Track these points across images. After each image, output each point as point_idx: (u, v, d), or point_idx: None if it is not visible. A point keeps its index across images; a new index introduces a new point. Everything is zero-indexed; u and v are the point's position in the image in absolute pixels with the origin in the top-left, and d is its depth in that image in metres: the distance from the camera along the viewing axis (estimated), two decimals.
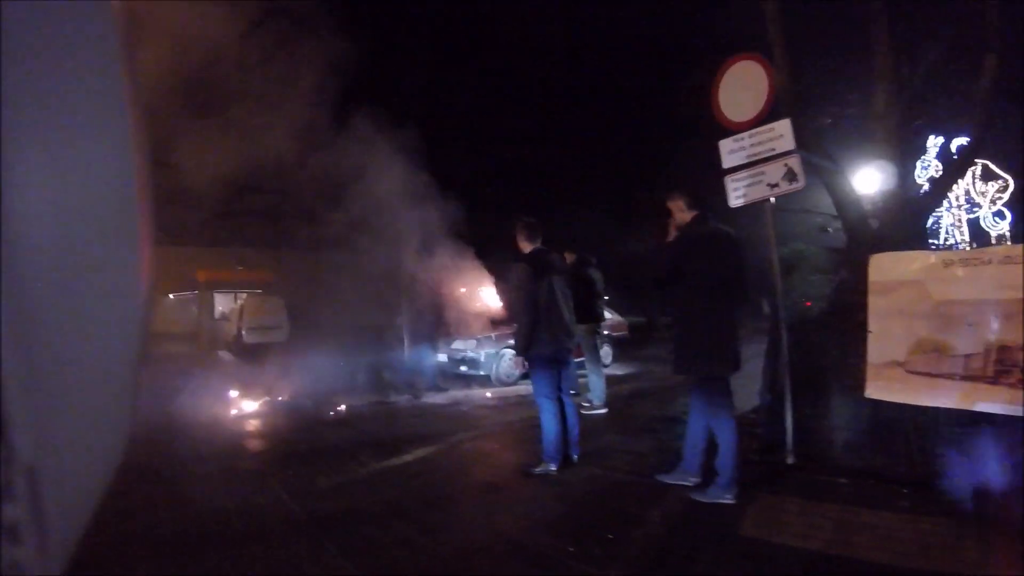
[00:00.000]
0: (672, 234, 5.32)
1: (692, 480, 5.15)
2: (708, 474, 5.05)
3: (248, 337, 19.52)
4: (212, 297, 25.43)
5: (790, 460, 5.55)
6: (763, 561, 3.84)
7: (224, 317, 23.31)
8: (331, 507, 5.15)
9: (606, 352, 10.31)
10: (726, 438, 4.87)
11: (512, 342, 11.90)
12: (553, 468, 5.82)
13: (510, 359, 12.10)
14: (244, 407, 9.87)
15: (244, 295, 22.99)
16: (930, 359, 4.84)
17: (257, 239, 22.66)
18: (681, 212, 5.23)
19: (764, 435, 6.14)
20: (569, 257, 8.56)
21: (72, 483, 0.60)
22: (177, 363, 16.09)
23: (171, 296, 26.42)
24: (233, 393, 10.26)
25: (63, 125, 0.56)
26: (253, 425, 8.90)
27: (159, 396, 9.87)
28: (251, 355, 17.16)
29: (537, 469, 5.84)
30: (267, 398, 10.33)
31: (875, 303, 5.14)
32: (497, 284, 12.94)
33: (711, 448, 5.10)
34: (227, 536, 4.50)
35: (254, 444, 7.75)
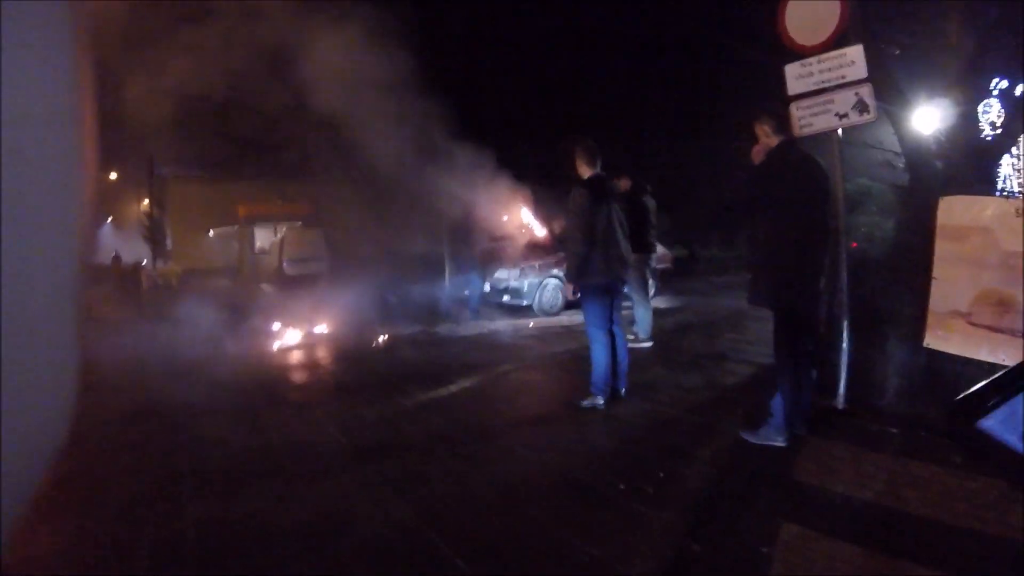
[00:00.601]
0: (757, 159, 4.99)
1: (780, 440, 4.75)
2: (762, 414, 4.90)
3: (289, 269, 19.71)
4: (252, 231, 25.61)
5: (840, 405, 5.38)
6: (814, 508, 3.72)
7: (264, 251, 23.49)
8: (379, 439, 5.17)
9: (651, 284, 10.17)
10: (787, 379, 4.70)
11: (555, 271, 11.86)
12: (601, 401, 5.73)
13: (553, 289, 12.02)
14: (287, 339, 9.94)
15: (284, 228, 23.15)
16: (994, 312, 4.63)
17: (296, 171, 22.65)
18: (767, 137, 4.85)
19: (814, 378, 5.96)
20: (624, 183, 8.27)
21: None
22: (220, 297, 16.33)
23: (211, 232, 26.71)
24: (276, 326, 10.34)
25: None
26: (297, 357, 8.95)
27: (203, 330, 10.00)
28: (292, 287, 17.33)
29: (585, 402, 5.76)
30: (310, 329, 10.39)
31: (942, 248, 4.89)
32: (541, 212, 12.77)
33: (770, 388, 4.93)
34: (275, 471, 4.52)
35: (298, 376, 7.80)
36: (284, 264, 19.86)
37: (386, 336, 9.95)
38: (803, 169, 4.68)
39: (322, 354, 9.10)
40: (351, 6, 9.00)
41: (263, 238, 24.73)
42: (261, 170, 23.79)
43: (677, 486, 4.09)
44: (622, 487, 4.08)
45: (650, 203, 8.81)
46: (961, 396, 1.90)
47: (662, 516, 3.66)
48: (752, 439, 4.75)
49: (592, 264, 5.61)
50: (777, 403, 4.69)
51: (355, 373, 7.76)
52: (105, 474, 4.59)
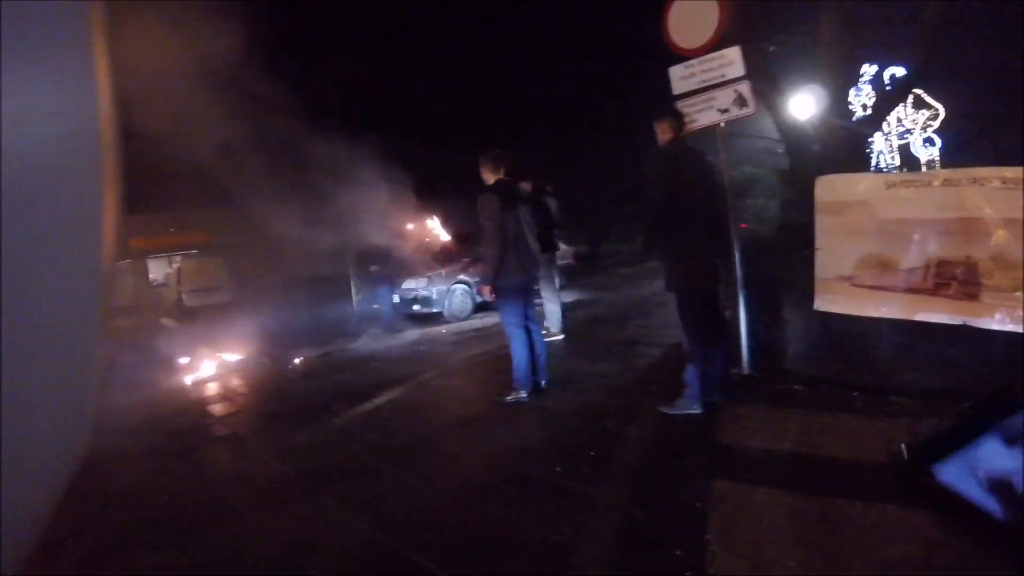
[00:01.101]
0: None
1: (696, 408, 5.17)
2: (677, 388, 5.29)
3: (189, 300, 19.15)
4: (146, 264, 24.71)
5: (747, 372, 5.86)
6: (739, 463, 4.11)
7: (161, 283, 22.71)
8: (319, 461, 5.15)
9: (557, 280, 10.50)
10: (695, 352, 5.10)
11: (463, 276, 12.07)
12: (524, 395, 6.01)
13: (462, 294, 12.22)
14: (199, 372, 9.66)
15: (180, 258, 22.48)
16: (875, 273, 5.24)
17: (189, 199, 21.99)
18: (664, 134, 5.29)
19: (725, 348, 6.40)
20: (527, 185, 8.58)
21: (27, 491, 0.58)
22: (121, 336, 15.69)
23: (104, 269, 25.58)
24: (184, 360, 10.07)
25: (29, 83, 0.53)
26: (213, 390, 8.69)
27: (111, 374, 9.63)
28: (195, 319, 16.85)
29: (509, 397, 6.03)
30: (221, 360, 10.17)
31: (822, 222, 5.46)
32: (444, 219, 12.94)
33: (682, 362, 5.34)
34: (225, 507, 4.42)
35: (220, 409, 7.56)
36: (183, 296, 19.30)
37: (302, 358, 9.89)
38: (694, 163, 5.16)
39: (239, 384, 8.90)
40: (230, 24, 8.90)
41: (158, 271, 23.92)
42: (154, 202, 23.03)
43: (610, 463, 4.37)
44: (560, 471, 4.34)
45: (552, 204, 9.17)
46: (911, 444, 2.11)
47: (602, 492, 3.94)
48: (670, 411, 5.14)
49: (506, 266, 5.86)
50: (690, 375, 5.10)
51: (278, 399, 7.67)
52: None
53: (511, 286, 5.96)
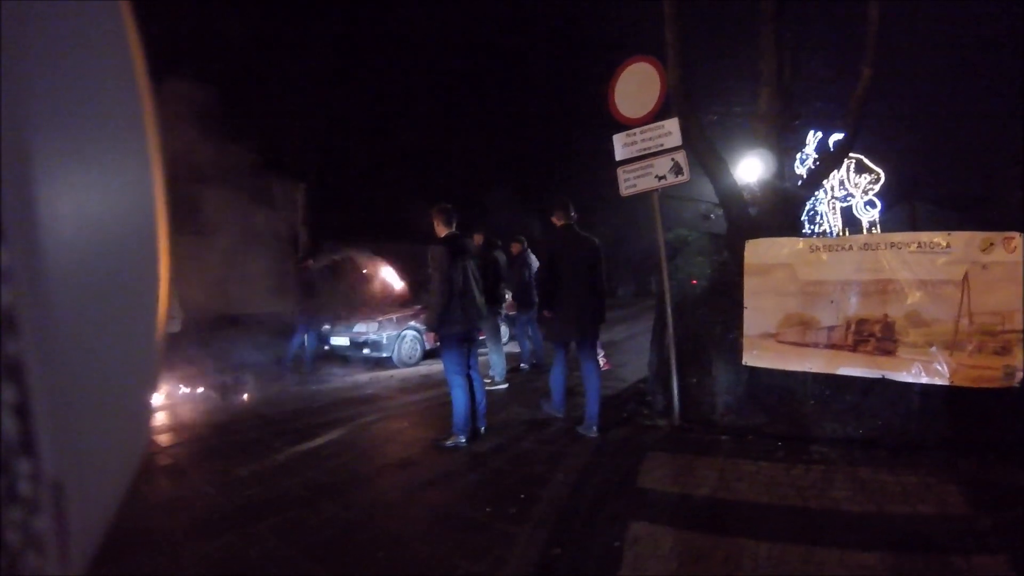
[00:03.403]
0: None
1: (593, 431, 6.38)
2: (607, 429, 6.26)
3: None
4: None
5: (677, 423, 6.19)
6: (657, 507, 4.38)
7: None
8: (256, 494, 5.27)
9: (503, 331, 10.66)
10: (591, 384, 6.34)
11: (413, 323, 12.25)
12: (463, 440, 6.27)
13: (412, 340, 12.37)
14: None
15: None
16: (798, 331, 5.69)
17: None
18: (558, 220, 6.54)
19: (654, 402, 6.74)
20: (477, 238, 8.96)
21: (93, 495, 0.59)
22: None
23: None
24: None
25: (84, 130, 0.51)
26: (159, 420, 8.56)
27: None
28: None
29: (448, 442, 6.27)
30: (168, 391, 10.08)
31: (750, 283, 5.90)
32: (396, 266, 13.13)
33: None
34: (159, 534, 4.48)
35: (164, 439, 7.56)
36: None
37: (250, 394, 9.92)
38: (579, 243, 6.48)
39: (185, 415, 8.88)
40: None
41: None
42: None
43: (536, 505, 4.66)
44: (489, 511, 4.60)
45: (500, 257, 9.54)
46: None
47: (526, 531, 4.21)
48: (582, 430, 6.34)
49: (452, 315, 6.16)
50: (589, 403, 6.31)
51: (223, 433, 7.70)
52: None
53: (454, 334, 6.24)
